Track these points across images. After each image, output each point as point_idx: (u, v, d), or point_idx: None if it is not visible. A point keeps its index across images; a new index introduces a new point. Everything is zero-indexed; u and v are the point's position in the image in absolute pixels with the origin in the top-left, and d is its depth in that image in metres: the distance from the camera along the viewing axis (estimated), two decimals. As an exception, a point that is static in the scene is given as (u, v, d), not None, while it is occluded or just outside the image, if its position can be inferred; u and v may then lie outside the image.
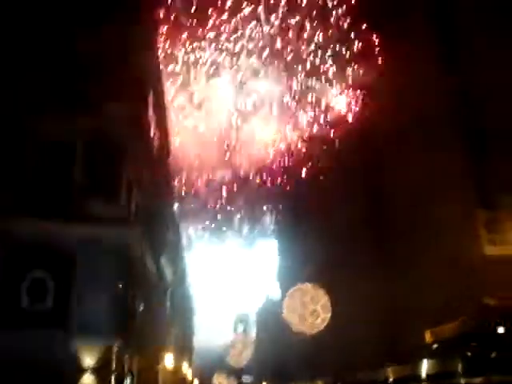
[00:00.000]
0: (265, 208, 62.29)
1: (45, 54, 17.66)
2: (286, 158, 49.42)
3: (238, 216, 62.30)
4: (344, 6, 40.72)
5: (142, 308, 21.77)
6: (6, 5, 17.36)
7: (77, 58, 17.92)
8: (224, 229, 63.24)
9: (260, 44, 43.66)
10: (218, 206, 56.97)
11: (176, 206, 43.37)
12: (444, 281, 23.07)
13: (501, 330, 18.42)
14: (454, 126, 23.35)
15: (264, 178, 51.77)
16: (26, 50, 17.47)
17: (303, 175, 48.20)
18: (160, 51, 28.14)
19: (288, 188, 52.09)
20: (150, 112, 23.14)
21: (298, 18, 42.88)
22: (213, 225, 62.44)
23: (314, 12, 42.27)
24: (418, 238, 26.48)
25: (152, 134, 23.63)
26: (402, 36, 28.75)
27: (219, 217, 60.48)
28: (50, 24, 17.96)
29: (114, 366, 16.10)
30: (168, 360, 28.94)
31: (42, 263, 15.80)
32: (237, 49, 43.34)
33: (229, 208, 58.75)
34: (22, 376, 14.68)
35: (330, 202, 43.20)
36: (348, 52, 41.38)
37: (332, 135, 43.00)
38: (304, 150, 47.72)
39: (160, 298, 29.26)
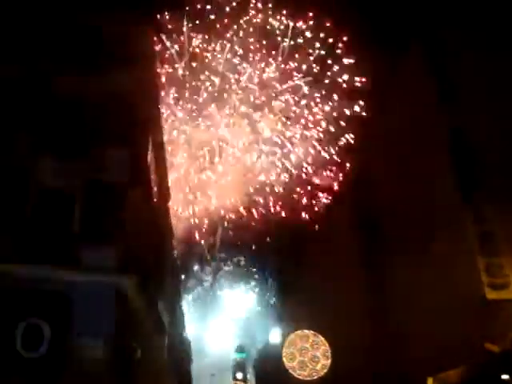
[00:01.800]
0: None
1: (43, 99, 18.02)
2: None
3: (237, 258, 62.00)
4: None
5: (139, 356, 21.40)
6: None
7: (76, 103, 18.31)
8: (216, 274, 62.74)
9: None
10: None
11: (175, 252, 42.83)
12: (444, 325, 22.84)
13: (505, 376, 18.15)
14: (453, 172, 23.44)
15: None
16: (23, 93, 17.84)
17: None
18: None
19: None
20: (149, 157, 23.32)
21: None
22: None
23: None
24: (419, 282, 26.32)
25: (151, 180, 23.73)
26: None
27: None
28: (49, 65, 18.39)
29: (110, 415, 15.74)
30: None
31: (38, 309, 15.61)
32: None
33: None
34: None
35: (327, 246, 43.12)
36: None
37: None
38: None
39: (157, 345, 28.74)
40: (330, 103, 42.16)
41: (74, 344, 15.40)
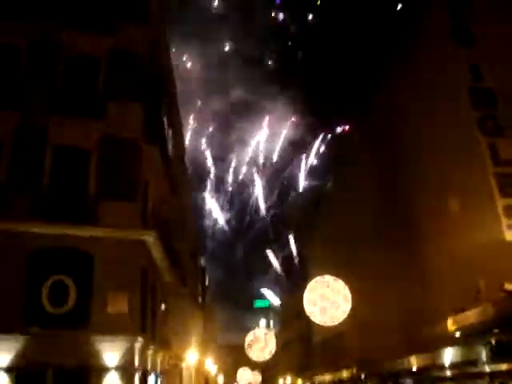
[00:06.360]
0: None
1: (57, 57, 17.94)
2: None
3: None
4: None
5: (163, 306, 21.97)
6: None
7: (89, 61, 18.28)
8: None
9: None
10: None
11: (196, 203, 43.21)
12: (464, 267, 22.91)
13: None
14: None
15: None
16: (37, 53, 17.78)
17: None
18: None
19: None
20: (163, 112, 23.20)
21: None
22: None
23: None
24: (439, 225, 26.27)
25: (166, 135, 23.68)
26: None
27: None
28: (64, 24, 18.20)
29: (138, 363, 16.31)
30: (191, 356, 29.13)
31: (62, 266, 15.99)
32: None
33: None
34: (49, 378, 14.95)
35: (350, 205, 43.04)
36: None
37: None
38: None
39: (182, 294, 29.27)
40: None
41: (98, 297, 15.85)
